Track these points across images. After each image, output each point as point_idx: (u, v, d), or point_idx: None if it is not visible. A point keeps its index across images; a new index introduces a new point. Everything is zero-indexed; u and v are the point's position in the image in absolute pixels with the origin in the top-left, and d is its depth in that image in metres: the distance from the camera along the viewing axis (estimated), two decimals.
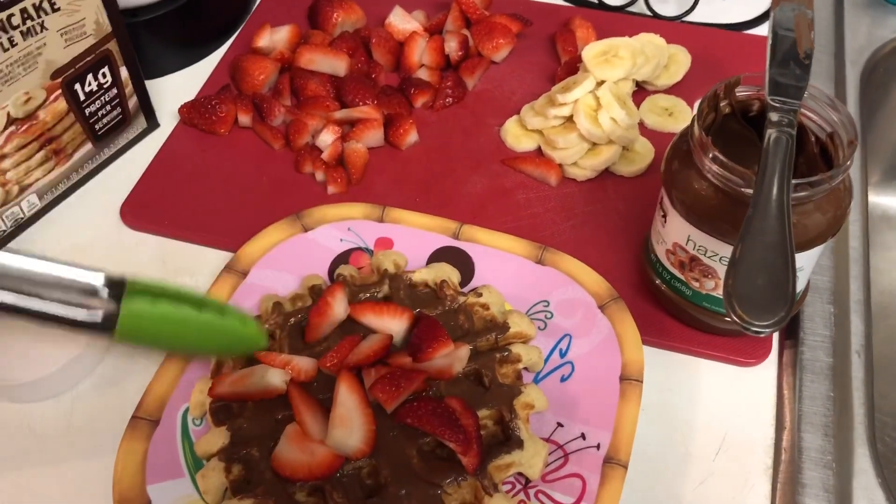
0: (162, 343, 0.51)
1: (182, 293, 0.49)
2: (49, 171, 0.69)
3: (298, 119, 0.75)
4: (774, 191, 0.47)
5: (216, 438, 0.53)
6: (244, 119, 0.77)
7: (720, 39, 0.84)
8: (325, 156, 0.73)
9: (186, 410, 0.56)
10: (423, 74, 0.80)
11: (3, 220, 0.67)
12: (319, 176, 0.72)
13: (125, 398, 0.59)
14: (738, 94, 0.56)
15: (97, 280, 0.46)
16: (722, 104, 0.56)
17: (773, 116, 0.51)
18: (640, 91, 0.79)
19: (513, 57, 0.82)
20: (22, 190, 0.68)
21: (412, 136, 0.75)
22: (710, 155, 0.51)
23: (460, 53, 0.80)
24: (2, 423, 0.59)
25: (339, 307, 0.58)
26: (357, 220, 0.67)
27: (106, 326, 0.46)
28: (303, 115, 0.75)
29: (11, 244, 0.69)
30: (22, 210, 0.69)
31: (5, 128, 0.64)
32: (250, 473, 0.51)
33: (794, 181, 0.48)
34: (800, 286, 0.57)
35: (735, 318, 0.44)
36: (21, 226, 0.69)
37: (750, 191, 0.49)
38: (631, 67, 0.74)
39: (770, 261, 0.45)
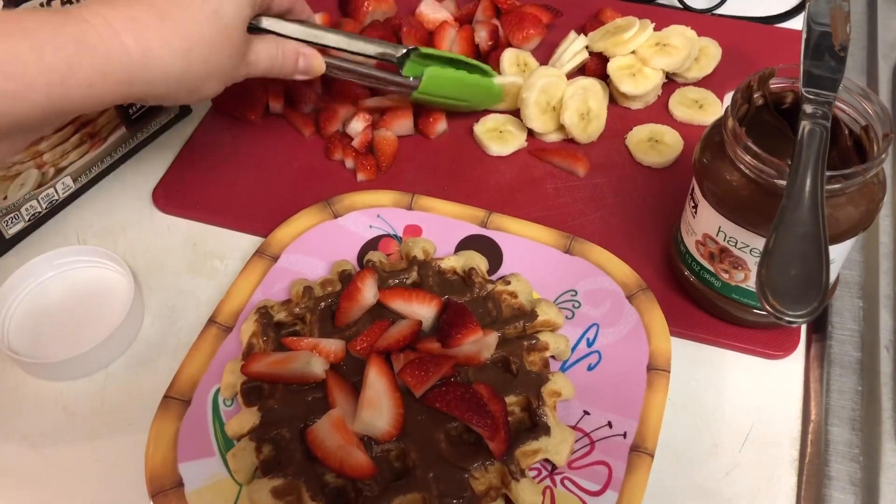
0: (445, 94, 0.72)
1: (458, 59, 0.73)
2: (84, 154, 0.70)
3: (329, 107, 0.75)
4: (808, 182, 0.47)
5: (247, 419, 0.54)
6: (275, 106, 0.77)
7: (751, 32, 0.84)
8: (355, 143, 0.73)
9: (217, 391, 0.57)
10: None
11: (38, 201, 0.68)
12: (349, 163, 0.73)
13: (157, 378, 0.60)
14: (771, 86, 0.56)
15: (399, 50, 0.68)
16: (756, 96, 0.56)
17: (808, 108, 0.51)
18: (670, 83, 0.79)
19: (543, 47, 0.83)
20: (57, 172, 0.69)
21: (441, 125, 0.75)
22: (744, 146, 0.51)
23: (490, 43, 0.80)
24: (36, 400, 0.60)
25: (368, 292, 0.58)
26: (386, 208, 0.68)
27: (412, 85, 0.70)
28: (333, 103, 0.76)
29: (47, 224, 0.70)
30: (57, 192, 0.70)
31: None
32: (280, 454, 0.52)
33: (827, 173, 0.48)
34: (831, 279, 0.57)
35: (768, 307, 0.44)
36: (55, 207, 0.71)
37: (783, 182, 0.49)
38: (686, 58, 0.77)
39: (803, 252, 0.45)
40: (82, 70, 0.48)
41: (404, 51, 0.68)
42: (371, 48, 0.67)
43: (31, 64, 0.46)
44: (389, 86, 0.70)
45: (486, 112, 0.77)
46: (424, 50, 0.71)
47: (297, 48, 0.63)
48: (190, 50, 0.53)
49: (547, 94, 0.73)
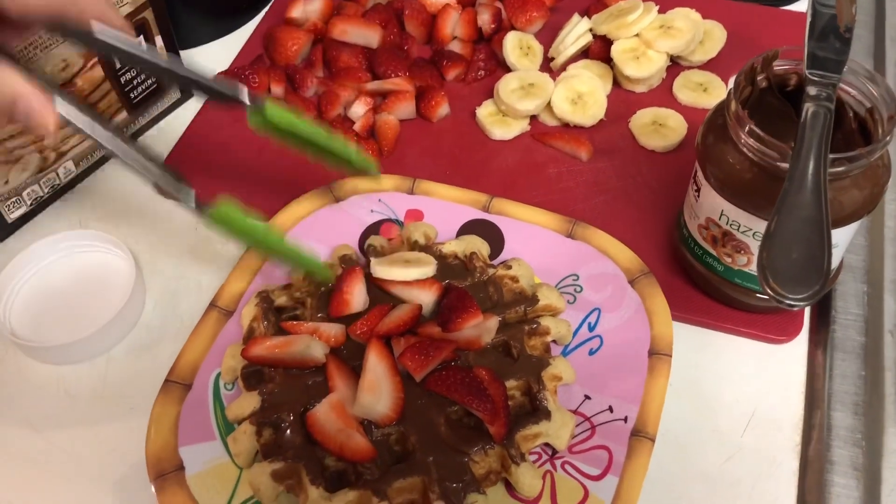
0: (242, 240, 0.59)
1: (311, 134, 0.59)
2: (85, 139, 0.70)
3: (331, 90, 0.75)
4: (811, 165, 0.47)
5: (247, 403, 0.54)
6: (277, 90, 0.77)
7: (757, 15, 0.83)
8: (356, 127, 0.73)
9: (218, 375, 0.57)
10: (455, 47, 0.80)
11: (40, 185, 0.68)
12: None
13: (158, 362, 0.60)
14: (775, 68, 0.56)
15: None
16: (759, 78, 0.55)
17: (812, 90, 0.50)
18: (675, 66, 0.79)
19: (546, 30, 0.82)
20: (59, 156, 0.69)
21: (443, 109, 0.75)
22: (747, 128, 0.51)
23: (493, 26, 0.80)
24: (38, 383, 0.60)
25: (357, 299, 0.58)
26: (387, 192, 0.68)
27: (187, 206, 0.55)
28: (335, 87, 0.75)
29: (49, 209, 0.70)
30: (58, 176, 0.70)
31: None
32: (281, 437, 0.52)
33: (831, 156, 0.48)
34: (834, 263, 0.57)
35: (769, 290, 0.44)
36: (57, 192, 0.71)
37: (786, 165, 0.49)
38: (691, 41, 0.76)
39: (805, 235, 0.45)
40: None
41: (246, 103, 0.56)
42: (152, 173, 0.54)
43: None
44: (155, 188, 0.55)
45: (489, 96, 0.76)
46: (271, 111, 0.57)
47: (15, 88, 0.47)
48: None
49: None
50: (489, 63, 0.78)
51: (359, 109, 0.74)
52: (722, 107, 0.55)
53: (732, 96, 0.52)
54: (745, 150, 0.52)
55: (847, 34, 0.53)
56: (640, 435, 0.53)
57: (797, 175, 0.47)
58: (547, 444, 0.53)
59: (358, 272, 0.58)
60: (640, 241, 0.65)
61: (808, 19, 0.55)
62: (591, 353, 0.58)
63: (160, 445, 0.53)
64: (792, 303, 0.43)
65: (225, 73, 0.78)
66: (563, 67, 0.79)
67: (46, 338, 0.61)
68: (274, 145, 0.73)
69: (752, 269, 0.56)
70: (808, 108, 0.49)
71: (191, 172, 0.71)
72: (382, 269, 0.58)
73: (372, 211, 0.67)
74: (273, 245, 0.58)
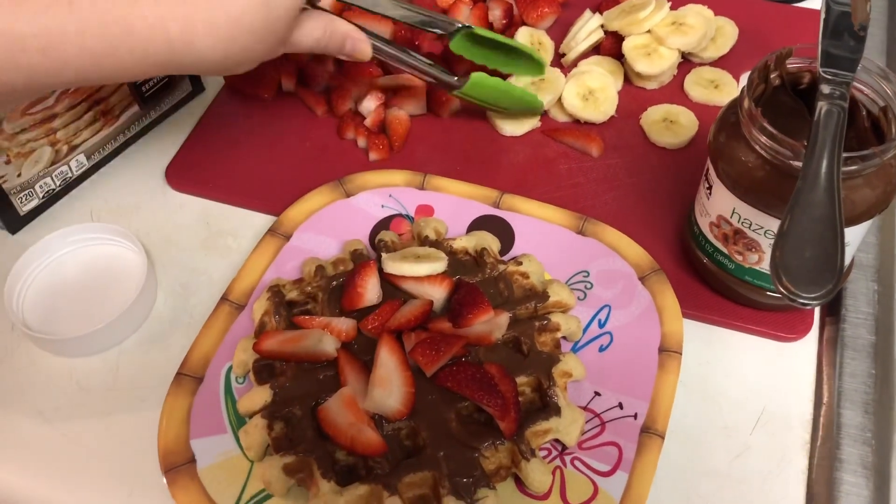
0: (485, 99, 0.71)
1: (509, 43, 0.72)
2: (97, 132, 0.70)
3: (341, 85, 0.75)
4: (824, 164, 0.47)
5: (259, 396, 0.54)
6: (288, 84, 0.77)
7: (769, 12, 0.83)
8: (367, 122, 0.73)
9: (230, 369, 0.57)
10: None
11: (52, 178, 0.69)
12: (361, 142, 0.73)
13: (169, 355, 0.60)
14: (789, 66, 0.55)
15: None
16: (772, 76, 0.55)
17: (825, 89, 0.50)
18: (686, 63, 0.79)
19: (557, 26, 0.82)
20: (71, 150, 0.69)
21: (454, 105, 0.75)
22: (760, 126, 0.50)
23: (504, 22, 0.80)
24: (49, 376, 0.60)
25: (371, 294, 0.58)
26: (398, 188, 0.68)
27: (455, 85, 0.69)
28: (346, 82, 0.75)
29: (61, 201, 0.71)
30: (70, 169, 0.70)
31: None
32: (292, 431, 0.52)
33: (844, 154, 0.48)
34: (846, 262, 0.56)
35: (782, 289, 0.44)
36: (69, 185, 0.71)
37: (799, 163, 0.49)
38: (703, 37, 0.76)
39: (818, 233, 0.45)
40: (120, 53, 0.47)
41: (458, 26, 0.68)
42: (418, 17, 0.67)
43: (71, 43, 0.45)
44: (431, 79, 0.69)
45: None
46: (478, 31, 0.69)
47: (345, 32, 0.61)
48: (234, 39, 0.50)
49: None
50: None
51: (370, 104, 0.74)
52: (735, 104, 0.55)
53: (746, 94, 0.52)
54: (757, 147, 0.51)
55: (861, 32, 0.53)
56: (650, 432, 0.53)
57: (811, 173, 0.47)
58: (557, 441, 0.53)
59: (372, 265, 0.59)
60: (651, 238, 0.65)
61: (822, 17, 0.54)
62: (602, 349, 0.58)
63: (172, 438, 0.54)
64: (805, 301, 0.43)
65: None
66: (575, 63, 0.79)
67: (58, 330, 0.61)
68: (285, 140, 0.74)
69: (763, 267, 0.56)
70: (822, 106, 0.49)
71: (202, 166, 0.72)
72: (394, 265, 0.58)
73: (382, 206, 0.67)
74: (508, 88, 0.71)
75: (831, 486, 0.54)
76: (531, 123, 0.74)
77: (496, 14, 0.80)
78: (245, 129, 0.75)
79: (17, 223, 0.68)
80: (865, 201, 0.51)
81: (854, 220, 0.52)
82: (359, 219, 0.66)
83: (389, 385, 0.52)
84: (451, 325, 0.55)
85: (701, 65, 0.78)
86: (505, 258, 0.62)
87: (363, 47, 0.62)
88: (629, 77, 0.77)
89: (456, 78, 0.68)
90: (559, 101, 0.74)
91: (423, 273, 0.58)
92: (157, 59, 0.49)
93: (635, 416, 0.54)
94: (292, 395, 0.54)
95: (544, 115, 0.75)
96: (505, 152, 0.72)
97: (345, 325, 0.56)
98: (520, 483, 0.52)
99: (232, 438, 0.54)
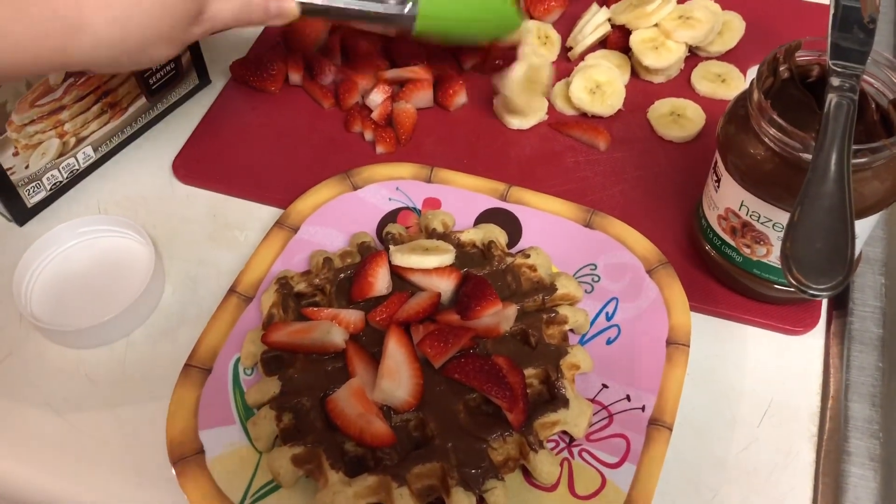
0: (450, 17, 0.66)
1: None
2: (104, 124, 0.70)
3: (348, 78, 0.75)
4: (834, 156, 0.47)
5: (267, 388, 0.54)
6: (295, 77, 0.77)
7: (776, 6, 0.83)
8: (374, 115, 0.73)
9: (238, 360, 0.57)
10: None
11: (59, 170, 0.69)
12: (368, 135, 0.73)
13: (177, 347, 0.60)
14: (798, 59, 0.55)
15: None
16: (781, 68, 0.55)
17: (835, 81, 0.50)
18: (693, 56, 0.78)
19: (564, 20, 0.82)
20: (78, 142, 0.69)
21: (461, 98, 0.75)
22: (769, 119, 0.50)
23: None
24: (58, 367, 0.60)
25: (381, 283, 0.58)
26: (405, 180, 0.68)
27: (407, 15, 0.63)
28: (353, 75, 0.75)
29: (68, 193, 0.71)
30: (78, 161, 0.70)
31: (64, 79, 0.65)
32: (300, 422, 0.53)
33: (854, 147, 0.48)
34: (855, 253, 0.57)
35: (792, 280, 0.44)
36: (76, 177, 0.71)
37: (808, 156, 0.49)
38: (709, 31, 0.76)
39: (828, 225, 0.45)
40: (13, 35, 0.47)
41: None
42: None
43: None
44: (380, 21, 0.63)
45: None
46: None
47: None
48: (129, 18, 0.50)
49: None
50: (507, 53, 0.78)
51: (377, 98, 0.74)
52: (743, 97, 0.55)
53: (755, 86, 0.52)
54: (766, 140, 0.51)
55: (871, 25, 0.53)
56: (658, 424, 0.53)
57: (820, 165, 0.47)
58: (564, 432, 0.53)
59: (382, 255, 0.59)
60: (658, 231, 0.65)
61: (831, 9, 0.54)
62: (609, 342, 0.58)
63: (180, 429, 0.54)
64: (815, 293, 0.43)
65: (243, 60, 0.78)
66: (582, 57, 0.79)
67: (67, 322, 0.61)
68: (292, 133, 0.74)
69: (771, 259, 0.56)
70: (832, 98, 0.49)
71: (209, 158, 0.72)
72: (402, 257, 0.58)
73: (390, 199, 0.67)
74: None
75: (838, 478, 0.54)
76: (538, 116, 0.74)
77: None
78: (252, 122, 0.75)
79: (24, 215, 0.69)
80: (875, 194, 0.51)
81: (863, 213, 0.52)
82: (366, 211, 0.66)
83: (398, 376, 0.52)
84: (459, 318, 0.55)
85: (708, 59, 0.78)
86: (512, 251, 0.62)
87: (287, 6, 0.60)
88: (636, 71, 0.77)
89: (406, 8, 0.62)
90: (566, 94, 0.74)
91: (431, 265, 0.58)
92: (54, 41, 0.48)
93: (643, 409, 0.54)
94: (301, 386, 0.54)
95: (551, 108, 0.75)
96: (512, 145, 0.72)
97: (353, 316, 0.56)
98: (528, 474, 0.52)
99: (240, 429, 0.54)
